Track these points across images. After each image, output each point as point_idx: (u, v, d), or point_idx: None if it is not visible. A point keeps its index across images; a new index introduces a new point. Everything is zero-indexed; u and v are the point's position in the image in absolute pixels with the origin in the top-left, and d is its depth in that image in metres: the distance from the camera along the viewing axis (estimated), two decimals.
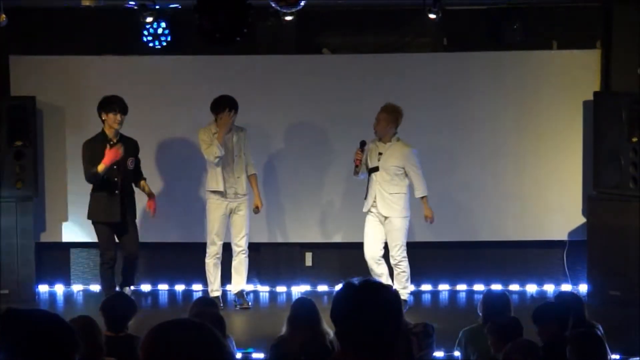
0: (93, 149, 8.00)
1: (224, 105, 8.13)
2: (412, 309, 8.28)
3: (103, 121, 8.03)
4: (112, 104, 7.97)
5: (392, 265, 8.24)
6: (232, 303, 8.58)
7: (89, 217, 8.15)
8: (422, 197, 8.17)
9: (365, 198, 8.19)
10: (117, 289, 8.25)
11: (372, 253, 8.21)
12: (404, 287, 8.19)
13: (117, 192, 8.04)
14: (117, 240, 8.19)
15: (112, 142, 8.02)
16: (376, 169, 8.07)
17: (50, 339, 2.35)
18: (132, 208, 8.21)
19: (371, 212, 8.18)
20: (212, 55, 9.00)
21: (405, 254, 8.19)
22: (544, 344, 5.30)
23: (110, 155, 7.86)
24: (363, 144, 8.10)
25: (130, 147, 8.16)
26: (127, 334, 5.44)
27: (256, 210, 8.43)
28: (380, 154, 8.07)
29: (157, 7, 8.34)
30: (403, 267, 8.20)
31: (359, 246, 9.11)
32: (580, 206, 9.09)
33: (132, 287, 8.47)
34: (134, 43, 8.88)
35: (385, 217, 8.10)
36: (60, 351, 2.34)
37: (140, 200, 8.39)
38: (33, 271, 8.79)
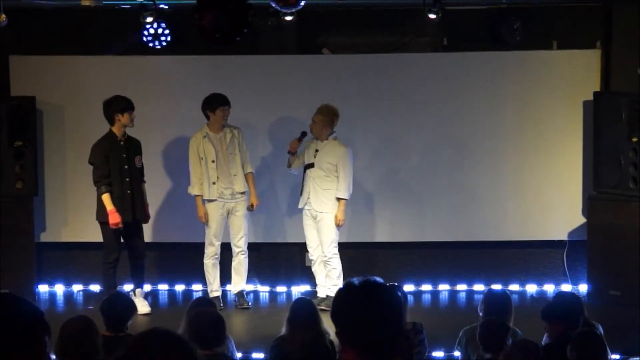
0: (104, 150, 7.98)
1: (218, 102, 8.15)
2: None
3: (113, 122, 8.01)
4: (127, 104, 7.99)
5: (324, 262, 8.32)
6: (232, 303, 8.58)
7: (98, 219, 8.08)
8: (340, 200, 8.19)
9: (301, 194, 8.32)
10: (131, 292, 8.26)
11: (318, 253, 8.34)
12: (334, 284, 8.24)
13: (128, 191, 8.04)
14: (122, 240, 8.17)
15: (122, 142, 8.03)
16: (311, 165, 8.20)
17: (13, 322, 2.31)
18: (141, 208, 8.20)
19: (306, 208, 8.29)
20: (212, 55, 9.00)
21: (336, 250, 8.29)
22: (551, 342, 5.33)
23: (114, 219, 7.88)
24: (304, 134, 8.23)
25: (136, 146, 8.20)
26: (127, 334, 5.44)
27: (251, 208, 8.43)
28: (317, 151, 8.19)
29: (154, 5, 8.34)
30: (334, 263, 8.29)
31: (359, 246, 9.13)
32: (580, 206, 9.09)
33: (145, 289, 8.49)
34: (134, 43, 8.87)
35: (318, 213, 8.20)
36: (26, 333, 2.30)
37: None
38: (33, 271, 8.79)
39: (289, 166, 8.38)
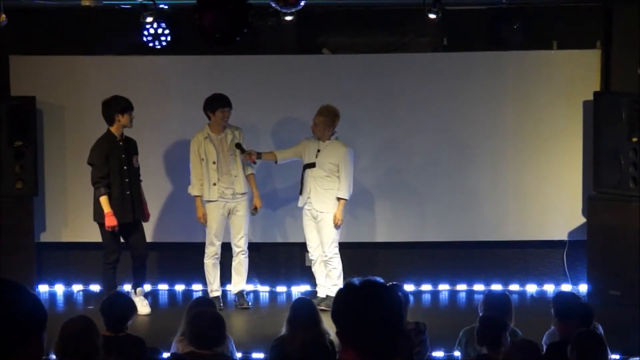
0: (104, 151, 7.95)
1: (218, 103, 8.15)
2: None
3: (112, 122, 7.99)
4: (127, 104, 7.97)
5: (324, 262, 8.34)
6: (232, 303, 8.58)
7: (96, 219, 8.05)
8: (340, 199, 8.21)
9: (301, 193, 8.35)
10: (131, 291, 8.26)
11: (318, 253, 8.37)
12: (334, 284, 8.27)
13: (128, 192, 8.03)
14: (122, 240, 8.16)
15: (120, 142, 8.02)
16: (312, 165, 8.21)
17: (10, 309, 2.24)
18: (140, 207, 8.21)
19: (306, 208, 8.31)
20: (212, 55, 9.01)
21: (337, 250, 8.31)
22: (561, 340, 5.35)
23: (110, 222, 7.88)
24: (238, 146, 8.22)
25: (134, 146, 8.19)
26: (127, 334, 5.44)
27: (254, 211, 8.43)
28: (318, 151, 8.20)
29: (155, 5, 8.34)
30: (335, 263, 8.31)
31: (359, 246, 9.13)
32: (580, 206, 9.09)
33: (146, 287, 8.47)
34: (134, 43, 8.87)
35: (319, 213, 8.22)
36: (21, 325, 2.24)
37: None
38: (33, 271, 8.79)
39: (275, 162, 8.46)
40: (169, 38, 8.71)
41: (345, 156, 8.19)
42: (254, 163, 8.39)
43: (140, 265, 8.27)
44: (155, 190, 8.87)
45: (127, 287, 8.64)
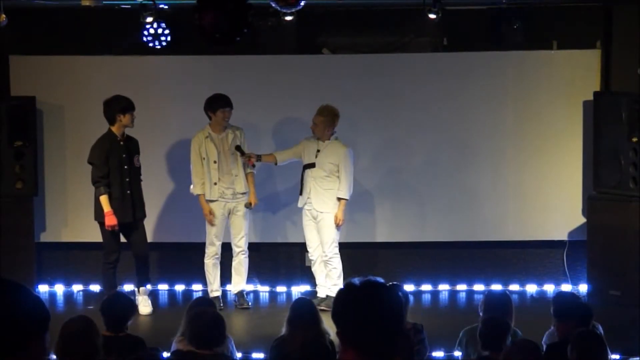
0: (104, 150, 7.94)
1: (219, 103, 8.15)
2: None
3: (113, 122, 7.99)
4: (128, 104, 7.96)
5: (324, 261, 8.35)
6: (232, 303, 8.58)
7: (96, 219, 8.05)
8: (340, 200, 8.21)
9: (301, 194, 8.34)
10: (135, 289, 8.26)
11: (318, 253, 8.37)
12: (334, 284, 8.27)
13: (128, 192, 8.03)
14: (123, 239, 8.16)
15: (121, 142, 8.01)
16: (312, 165, 8.21)
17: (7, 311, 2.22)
18: (140, 207, 8.20)
19: (306, 208, 8.31)
20: (212, 55, 9.01)
21: (337, 250, 8.31)
22: (560, 340, 5.35)
23: (110, 222, 7.88)
24: (238, 148, 8.22)
25: (135, 145, 8.18)
26: (127, 334, 5.44)
27: (249, 205, 8.40)
28: (318, 151, 8.20)
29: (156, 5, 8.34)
30: (335, 263, 8.32)
31: (359, 246, 9.13)
32: (580, 206, 9.09)
33: (149, 287, 8.45)
34: (134, 43, 8.87)
35: (319, 213, 8.22)
36: (23, 326, 2.21)
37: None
38: (33, 271, 8.79)
39: (275, 164, 8.45)
40: (169, 38, 8.71)
41: (345, 156, 8.19)
42: (253, 166, 8.38)
43: (142, 264, 8.26)
44: (155, 190, 8.87)
45: (127, 287, 8.63)
